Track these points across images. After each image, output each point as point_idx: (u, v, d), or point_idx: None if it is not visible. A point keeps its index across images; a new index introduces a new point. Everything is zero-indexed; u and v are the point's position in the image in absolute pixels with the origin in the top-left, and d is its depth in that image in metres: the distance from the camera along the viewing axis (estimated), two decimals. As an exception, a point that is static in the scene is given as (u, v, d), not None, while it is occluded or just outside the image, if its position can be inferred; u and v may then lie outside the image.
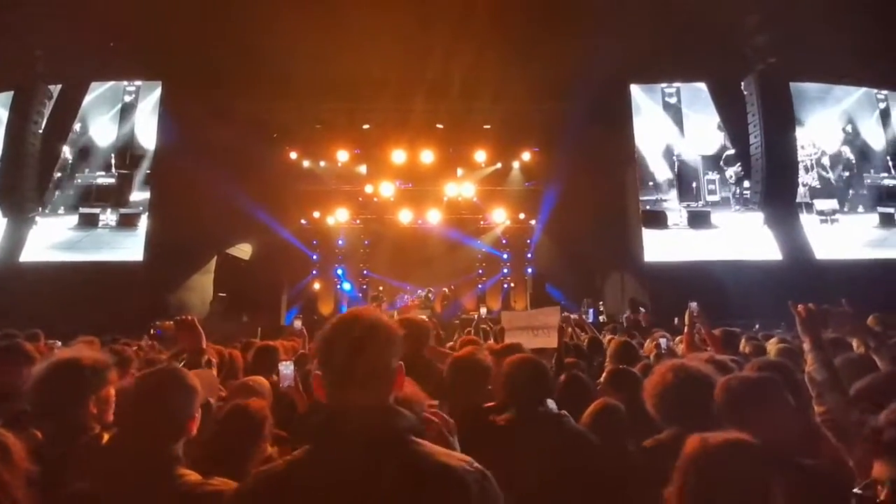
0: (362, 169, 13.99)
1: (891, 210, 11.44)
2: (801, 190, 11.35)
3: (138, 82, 11.71)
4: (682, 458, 1.22)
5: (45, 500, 1.32)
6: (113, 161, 11.50)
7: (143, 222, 11.04)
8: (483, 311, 13.19)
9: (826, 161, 11.67)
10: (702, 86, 11.70)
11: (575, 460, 1.87)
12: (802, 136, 11.52)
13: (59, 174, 11.43)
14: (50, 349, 3.58)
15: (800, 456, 1.47)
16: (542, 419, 2.02)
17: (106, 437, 1.62)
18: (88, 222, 11.17)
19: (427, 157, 12.69)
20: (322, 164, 13.81)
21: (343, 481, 1.01)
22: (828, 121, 11.81)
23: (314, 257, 14.98)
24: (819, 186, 11.56)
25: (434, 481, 1.02)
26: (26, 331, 4.26)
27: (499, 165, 13.97)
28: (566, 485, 1.75)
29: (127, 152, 11.48)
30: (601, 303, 11.88)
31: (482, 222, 15.08)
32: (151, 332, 6.43)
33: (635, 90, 11.74)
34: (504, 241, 15.46)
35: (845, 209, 11.47)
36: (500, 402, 2.15)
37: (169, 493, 1.36)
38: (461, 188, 13.86)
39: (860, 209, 11.50)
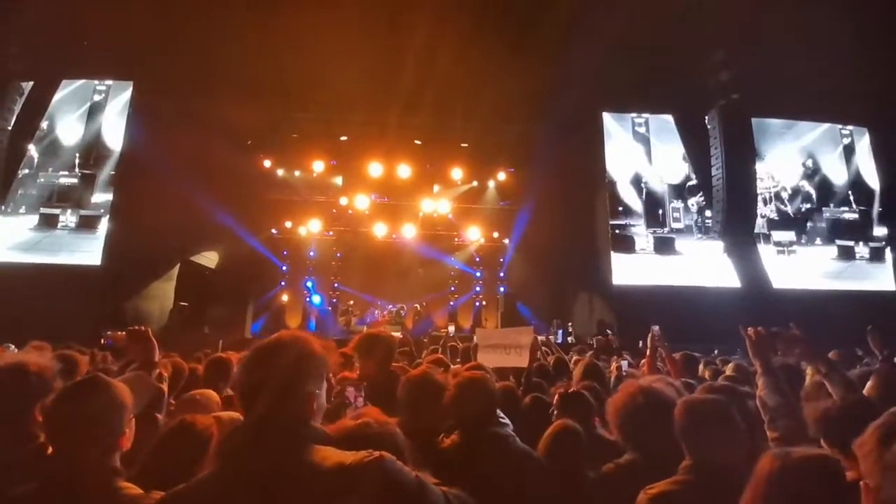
0: (338, 180, 13.93)
1: (850, 243, 11.97)
2: (759, 221, 11.88)
3: (109, 81, 11.42)
4: (760, 473, 1.18)
5: None
6: (77, 161, 11.10)
7: (104, 225, 10.64)
8: (451, 329, 13.18)
9: (785, 194, 12.27)
10: (669, 117, 12.24)
11: (521, 481, 1.87)
12: (762, 169, 12.12)
13: (23, 172, 10.98)
14: (2, 352, 3.38)
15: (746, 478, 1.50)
16: (490, 440, 2.01)
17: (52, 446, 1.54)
18: (48, 223, 10.73)
19: (404, 171, 12.76)
20: (297, 173, 13.68)
21: (243, 493, 1.09)
22: (788, 155, 12.42)
23: (283, 268, 14.67)
24: (777, 218, 12.12)
25: (328, 482, 1.10)
26: None
27: (475, 184, 14.16)
28: None
29: (92, 152, 11.11)
30: (570, 324, 12.05)
31: (456, 239, 15.15)
32: (102, 342, 6.13)
33: (607, 118, 12.18)
34: (477, 259, 15.55)
35: (803, 241, 11.99)
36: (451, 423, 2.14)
37: None
38: (437, 205, 13.96)
39: (818, 241, 12.03)
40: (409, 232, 13.96)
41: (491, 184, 14.20)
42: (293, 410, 1.19)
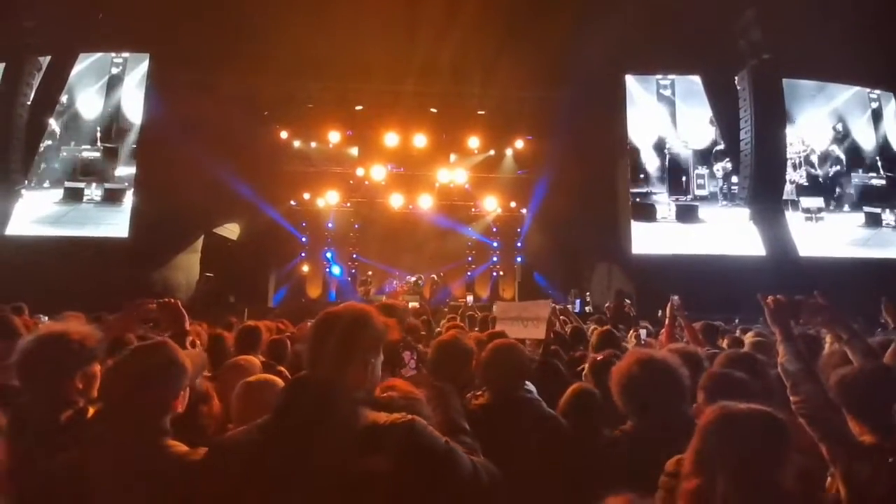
0: (354, 151, 13.86)
1: (877, 210, 11.57)
2: (788, 187, 11.47)
3: (126, 54, 11.40)
4: (704, 424, 1.23)
5: (30, 472, 1.33)
6: (98, 134, 11.25)
7: (129, 198, 10.86)
8: (469, 298, 13.29)
9: (814, 159, 11.79)
10: (696, 79, 11.70)
11: (548, 444, 1.93)
12: (792, 133, 11.60)
13: (45, 146, 11.16)
14: (35, 323, 3.55)
15: None
16: (517, 403, 2.09)
17: (91, 411, 1.63)
18: (73, 197, 10.97)
19: (420, 141, 12.61)
20: (313, 144, 13.65)
21: (283, 442, 1.20)
22: (818, 119, 11.86)
23: (303, 239, 14.87)
24: (806, 184, 11.68)
25: (360, 438, 1.19)
26: (10, 304, 4.21)
27: (492, 152, 13.92)
28: (537, 467, 1.80)
29: (113, 126, 11.25)
30: (588, 293, 12.02)
31: (473, 209, 15.06)
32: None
33: (630, 80, 11.71)
34: (495, 229, 15.49)
35: (831, 207, 11.59)
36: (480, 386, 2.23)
37: (157, 463, 1.39)
38: (453, 174, 13.82)
39: (846, 208, 11.63)
40: (426, 202, 13.92)
41: (508, 152, 13.93)
42: (346, 374, 1.28)
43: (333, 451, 1.17)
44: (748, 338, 3.60)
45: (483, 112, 12.38)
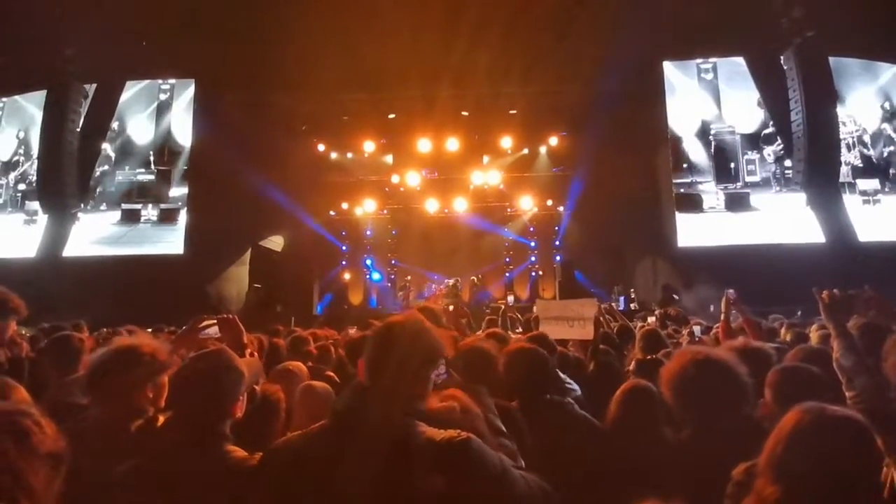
0: (388, 159, 14.09)
1: (930, 189, 10.80)
2: (843, 169, 10.78)
3: (172, 80, 12.04)
4: (787, 424, 1.18)
5: (100, 482, 1.41)
6: (152, 158, 11.92)
7: (183, 217, 11.45)
8: (510, 299, 13.17)
9: (867, 139, 11.07)
10: (740, 60, 11.15)
11: (576, 446, 1.90)
12: (842, 112, 10.91)
13: (100, 170, 11.82)
14: (96, 340, 3.78)
15: None
16: (546, 407, 2.07)
17: (161, 419, 1.72)
18: (131, 218, 11.62)
19: (452, 145, 12.66)
20: (349, 155, 13.99)
21: (347, 449, 1.21)
22: (867, 97, 11.21)
23: (343, 248, 15.23)
24: (861, 165, 10.97)
25: (417, 455, 1.18)
26: (70, 321, 4.40)
27: (525, 151, 13.80)
28: (570, 471, 1.74)
29: (164, 149, 11.87)
30: (632, 290, 11.65)
31: (509, 210, 14.96)
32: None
33: (668, 67, 11.28)
34: (531, 229, 15.31)
35: (886, 189, 10.91)
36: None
37: (216, 468, 1.44)
38: (487, 176, 13.79)
39: (900, 189, 10.93)
40: (461, 205, 13.95)
41: (542, 150, 13.76)
42: (403, 385, 1.29)
43: (390, 467, 1.17)
44: (814, 331, 3.39)
45: (515, 111, 12.29)
